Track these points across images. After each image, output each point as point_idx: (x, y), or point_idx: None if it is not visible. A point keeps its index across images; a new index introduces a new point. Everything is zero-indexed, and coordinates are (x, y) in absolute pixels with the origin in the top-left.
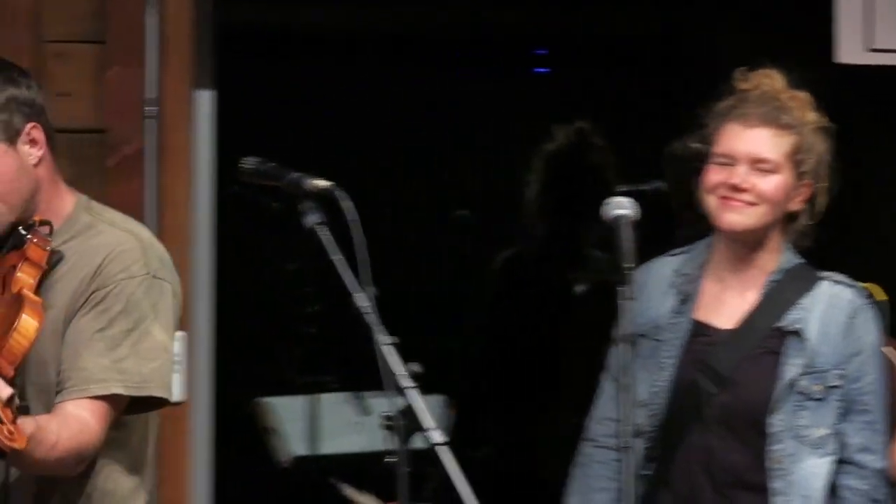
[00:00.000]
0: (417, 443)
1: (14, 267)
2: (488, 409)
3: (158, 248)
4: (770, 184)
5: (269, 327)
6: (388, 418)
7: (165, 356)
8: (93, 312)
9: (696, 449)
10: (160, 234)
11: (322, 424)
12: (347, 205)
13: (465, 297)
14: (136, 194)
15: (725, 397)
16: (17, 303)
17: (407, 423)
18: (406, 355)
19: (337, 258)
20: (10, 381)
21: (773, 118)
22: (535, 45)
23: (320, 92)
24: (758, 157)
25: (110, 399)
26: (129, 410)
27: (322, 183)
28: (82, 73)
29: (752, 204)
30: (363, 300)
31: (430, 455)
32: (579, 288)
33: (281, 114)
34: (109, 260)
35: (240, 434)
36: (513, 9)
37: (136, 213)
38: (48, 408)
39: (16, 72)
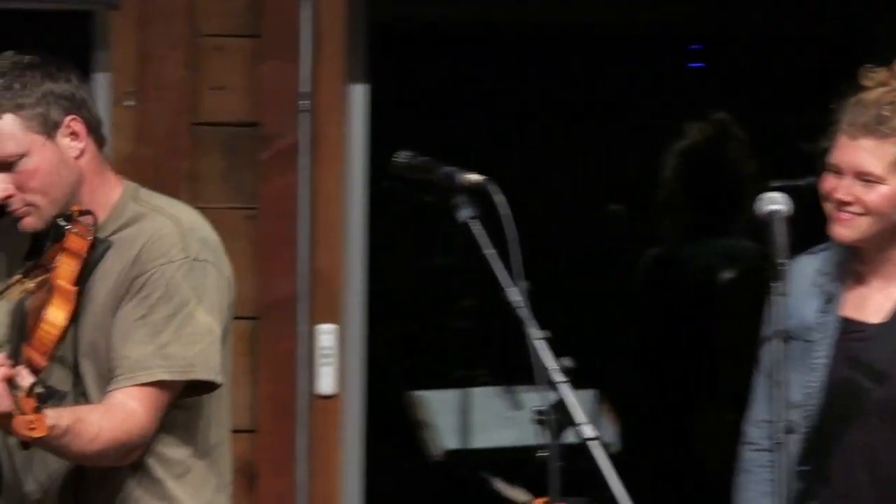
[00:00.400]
0: (569, 437)
1: (54, 259)
2: (643, 405)
3: (202, 230)
4: (874, 195)
5: (421, 321)
6: (540, 412)
7: (210, 338)
8: (134, 300)
9: (855, 445)
10: (313, 226)
11: (474, 418)
12: (500, 199)
13: (618, 293)
14: (289, 188)
15: (882, 392)
16: (50, 293)
17: (559, 417)
18: (558, 350)
19: (489, 252)
20: (40, 371)
21: (876, 127)
22: (689, 40)
23: (473, 86)
24: (860, 170)
25: (157, 386)
26: (182, 395)
27: (475, 177)
28: (237, 67)
29: (858, 215)
30: (515, 294)
31: (581, 450)
32: (727, 276)
33: (434, 108)
34: (148, 247)
35: (391, 427)
36: (668, 3)
37: (288, 206)
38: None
39: (54, 66)
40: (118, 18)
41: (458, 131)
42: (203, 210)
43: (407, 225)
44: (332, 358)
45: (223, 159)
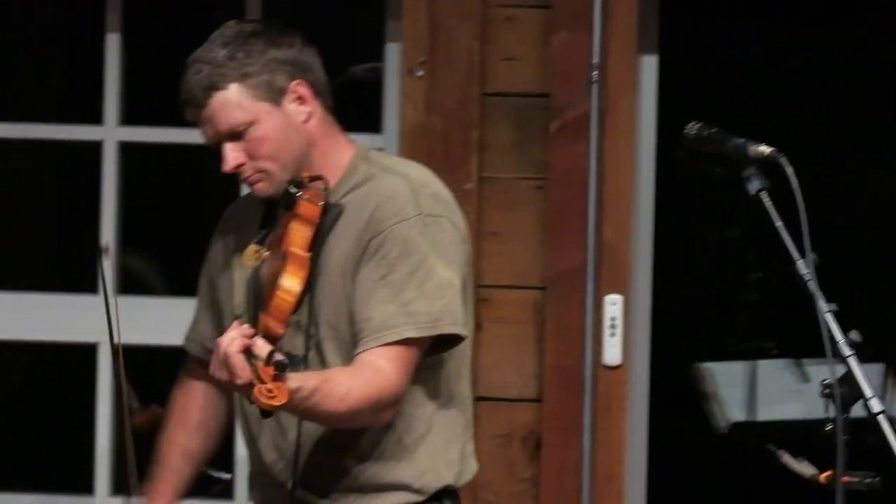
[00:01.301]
0: (856, 411)
1: (286, 226)
2: None
3: (433, 186)
4: None
5: (709, 293)
6: (828, 386)
7: (452, 292)
8: (373, 261)
9: None
10: (602, 197)
11: (761, 391)
12: (791, 171)
13: None
14: (579, 158)
15: None
16: (284, 260)
17: (846, 391)
18: (846, 323)
19: (779, 225)
20: (277, 339)
21: None
22: None
23: (765, 56)
24: None
25: (405, 344)
26: (428, 352)
27: (766, 149)
28: (528, 38)
29: None
30: (805, 267)
31: (868, 424)
32: None
33: (725, 78)
34: (381, 207)
35: (676, 399)
36: None
37: (578, 177)
38: (346, 363)
39: (276, 32)
40: None
41: (749, 102)
42: (492, 180)
43: (696, 196)
44: (619, 329)
45: (513, 130)
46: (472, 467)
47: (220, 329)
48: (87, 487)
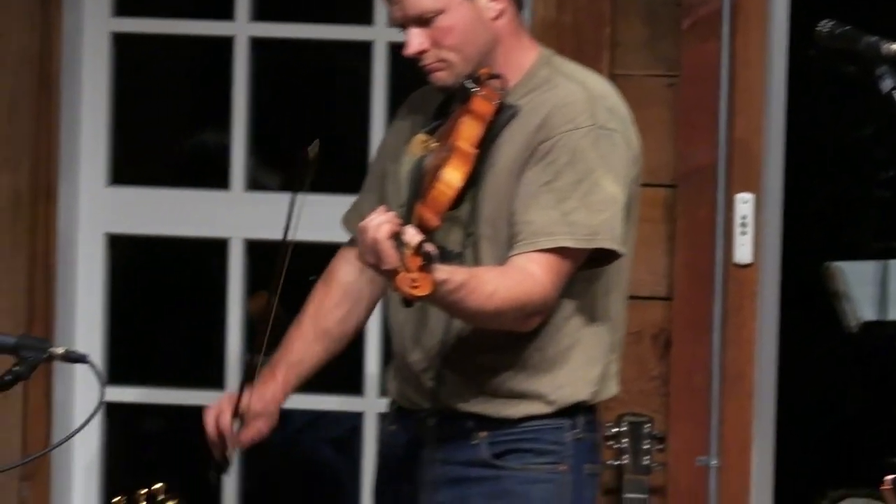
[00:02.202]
0: None
1: (458, 120)
2: None
3: (610, 99)
4: None
5: (840, 191)
6: None
7: (615, 208)
8: (539, 165)
9: None
10: (733, 95)
11: (892, 290)
12: None
13: None
14: (710, 55)
15: None
16: (450, 153)
17: None
18: None
19: None
20: (431, 230)
21: None
22: None
23: None
24: None
25: (560, 252)
26: (583, 265)
27: None
28: None
29: None
30: None
31: None
32: None
33: None
34: (554, 112)
35: (807, 297)
36: None
37: (710, 74)
38: (500, 263)
39: None
40: None
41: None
42: (623, 77)
43: (828, 94)
44: (750, 227)
45: (644, 27)
46: (611, 389)
47: None
48: (217, 382)
